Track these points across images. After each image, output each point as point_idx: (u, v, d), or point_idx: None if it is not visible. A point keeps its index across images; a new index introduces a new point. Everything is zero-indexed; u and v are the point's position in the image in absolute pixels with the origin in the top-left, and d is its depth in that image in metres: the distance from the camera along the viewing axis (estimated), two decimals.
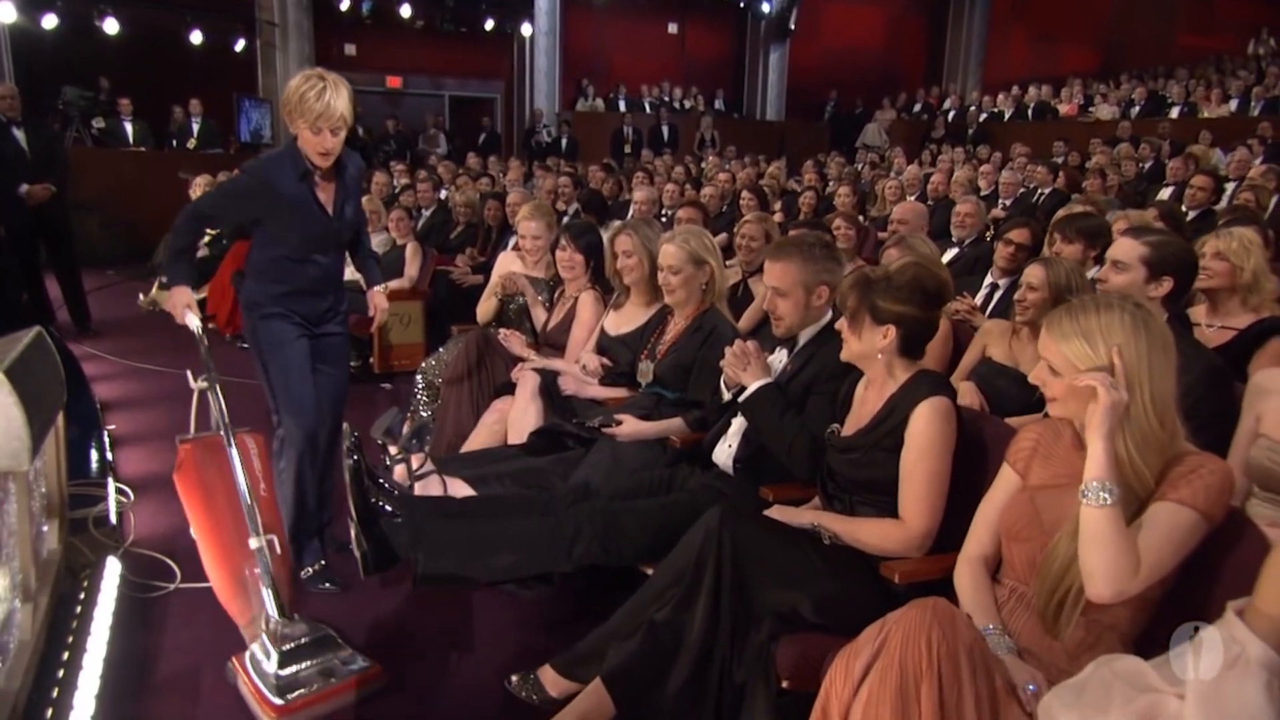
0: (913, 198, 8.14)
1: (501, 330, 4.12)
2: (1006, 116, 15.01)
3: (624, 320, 3.71)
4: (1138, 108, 13.35)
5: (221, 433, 2.75)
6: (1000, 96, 15.50)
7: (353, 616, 3.03)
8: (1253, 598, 1.49)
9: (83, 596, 3.07)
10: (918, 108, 16.78)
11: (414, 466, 3.06)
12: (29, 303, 6.84)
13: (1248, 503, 2.43)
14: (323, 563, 3.36)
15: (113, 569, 3.23)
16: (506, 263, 4.66)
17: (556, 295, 4.25)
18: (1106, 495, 1.73)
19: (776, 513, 2.50)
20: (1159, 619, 1.82)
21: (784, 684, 2.06)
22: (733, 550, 2.21)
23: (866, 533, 2.33)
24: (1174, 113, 12.65)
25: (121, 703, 2.63)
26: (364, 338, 5.89)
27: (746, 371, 2.69)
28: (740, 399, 2.72)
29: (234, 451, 2.70)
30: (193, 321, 3.05)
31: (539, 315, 4.28)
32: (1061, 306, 1.95)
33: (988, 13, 18.06)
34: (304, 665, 2.59)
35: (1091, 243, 3.88)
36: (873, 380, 2.47)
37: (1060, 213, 4.71)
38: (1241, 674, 1.44)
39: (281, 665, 2.55)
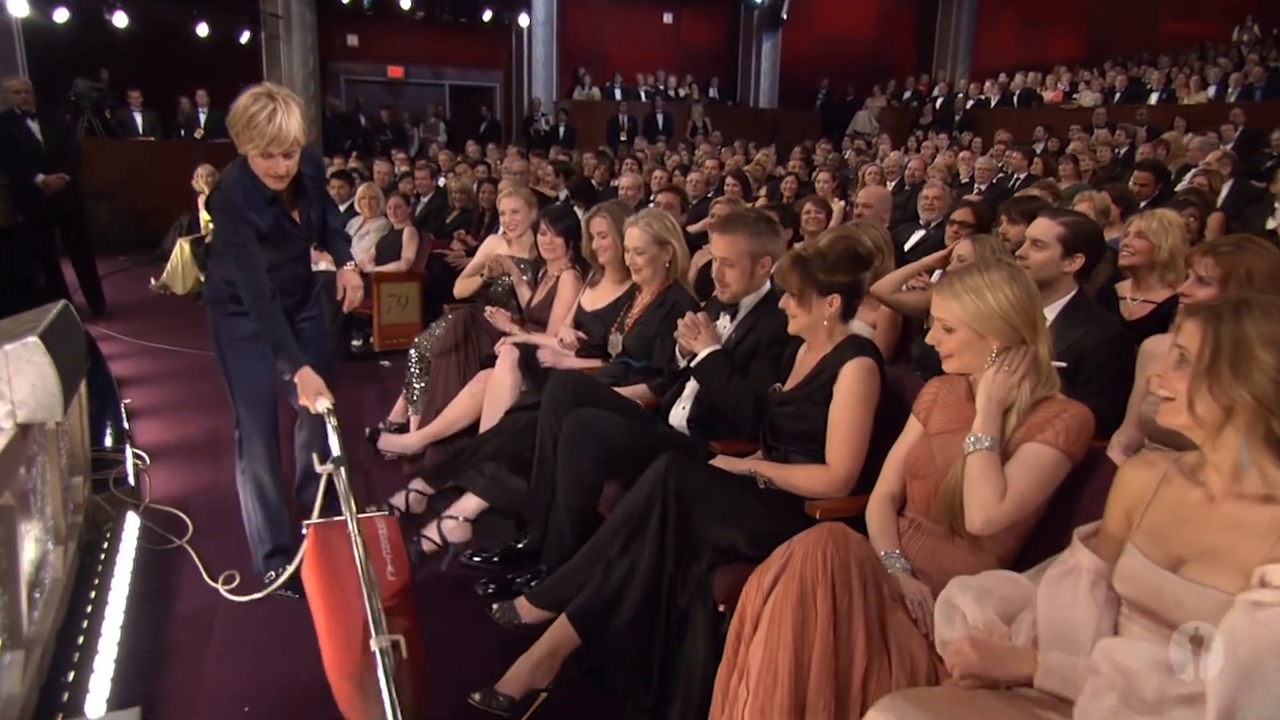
0: (892, 183, 8.46)
1: (488, 307, 4.47)
2: (993, 103, 15.18)
3: (599, 297, 4.02)
4: (1119, 94, 13.53)
5: (347, 520, 2.39)
6: (987, 84, 15.68)
7: None
8: (1101, 522, 1.83)
9: (105, 546, 3.41)
10: (908, 95, 16.97)
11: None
12: (47, 285, 7.18)
13: (1140, 453, 2.76)
14: (287, 569, 3.05)
15: (132, 522, 3.56)
16: (492, 245, 4.99)
17: (540, 274, 4.59)
18: (988, 443, 2.09)
19: (720, 461, 2.83)
20: (1032, 545, 2.15)
21: (720, 607, 2.35)
22: (677, 493, 2.48)
23: (798, 477, 2.64)
24: (1154, 99, 12.85)
25: (142, 636, 2.91)
26: (364, 318, 6.25)
27: (697, 340, 2.99)
28: (692, 364, 3.03)
29: (360, 539, 2.30)
30: (323, 405, 2.80)
31: (524, 294, 4.62)
32: (949, 272, 2.30)
33: (976, 1, 18.20)
34: None
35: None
36: (812, 345, 2.78)
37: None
38: (1074, 578, 1.78)
39: None
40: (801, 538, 2.04)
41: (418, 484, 3.78)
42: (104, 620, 2.91)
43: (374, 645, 2.13)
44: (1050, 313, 3.21)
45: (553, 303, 4.34)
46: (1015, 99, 15.11)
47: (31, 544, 2.71)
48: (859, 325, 3.60)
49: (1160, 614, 1.60)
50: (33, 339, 2.53)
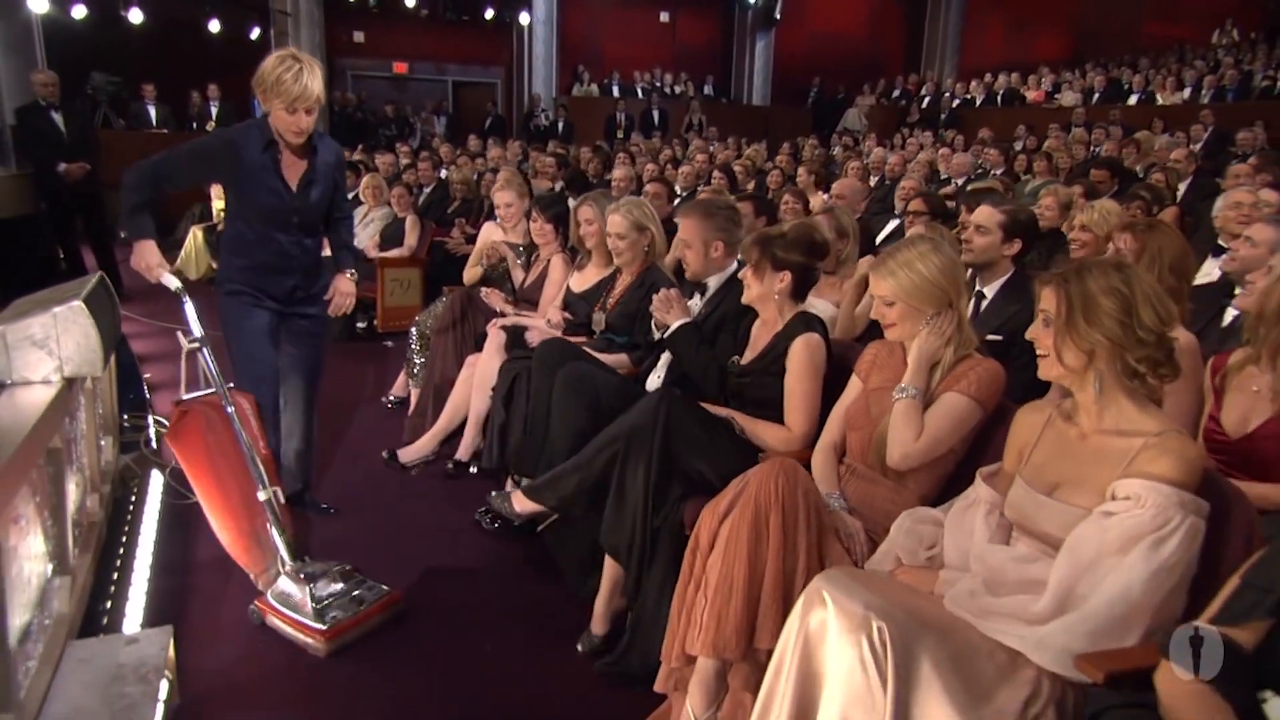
0: (875, 178, 8.81)
1: (483, 288, 4.82)
2: (978, 102, 15.50)
3: (586, 279, 4.32)
4: (1099, 94, 13.85)
5: (218, 391, 2.83)
6: (973, 83, 15.99)
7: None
8: (1002, 463, 2.17)
9: (133, 499, 3.75)
10: (896, 93, 17.29)
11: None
12: (68, 269, 7.53)
13: (1031, 401, 3.09)
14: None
15: (157, 479, 3.91)
16: (489, 231, 5.35)
17: (533, 258, 4.94)
18: (913, 392, 2.44)
19: (706, 405, 3.06)
20: (950, 486, 2.47)
21: (686, 531, 2.60)
22: (665, 420, 2.73)
23: (765, 432, 2.93)
24: (1133, 100, 13.18)
25: (168, 573, 3.25)
26: (369, 300, 6.61)
27: (670, 314, 3.28)
28: (665, 336, 3.35)
29: (232, 409, 2.78)
30: (170, 280, 3.05)
31: (518, 276, 4.97)
32: (881, 253, 2.65)
33: (963, 2, 18.51)
34: (335, 593, 2.82)
35: None
36: (766, 321, 3.08)
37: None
38: (974, 509, 2.13)
39: (315, 594, 2.76)
40: (756, 470, 2.36)
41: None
42: (135, 558, 3.26)
43: (260, 496, 2.72)
44: (990, 290, 3.59)
45: (544, 284, 4.68)
46: (999, 98, 15.44)
47: (72, 487, 3.05)
48: (823, 305, 3.95)
49: (1037, 532, 1.95)
50: (77, 303, 2.87)
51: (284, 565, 2.80)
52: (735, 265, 3.47)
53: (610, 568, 2.85)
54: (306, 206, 3.29)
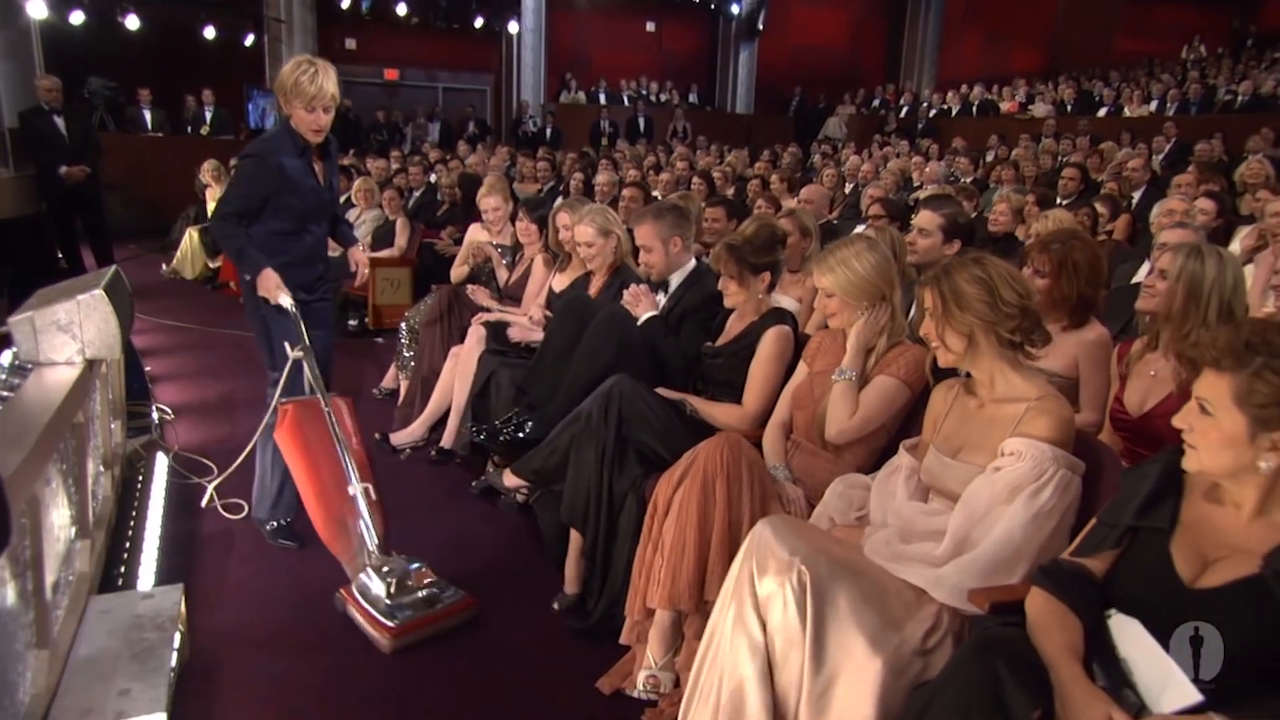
0: (851, 185, 9.13)
1: (469, 285, 5.10)
2: (954, 112, 15.85)
3: (566, 279, 4.59)
4: (1070, 106, 14.22)
5: (318, 395, 3.08)
6: (950, 94, 16.35)
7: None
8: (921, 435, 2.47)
9: (140, 480, 3.99)
10: (876, 103, 17.64)
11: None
12: (68, 268, 7.77)
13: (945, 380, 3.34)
14: (289, 520, 3.62)
15: (162, 462, 4.17)
16: (475, 232, 5.64)
17: (517, 257, 5.22)
18: (849, 375, 2.74)
19: (660, 390, 3.35)
20: (881, 458, 2.74)
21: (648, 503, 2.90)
22: (620, 404, 3.03)
23: (718, 411, 3.23)
24: (1102, 112, 13.55)
25: (177, 542, 3.51)
26: (359, 299, 6.88)
27: (639, 307, 3.58)
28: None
29: (329, 410, 3.02)
30: (286, 300, 3.23)
31: (502, 275, 5.27)
32: (823, 250, 2.94)
33: (942, 14, 18.93)
34: (409, 593, 2.91)
35: None
36: (743, 313, 3.37)
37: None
38: (896, 475, 2.42)
39: (390, 592, 2.87)
40: (705, 444, 2.67)
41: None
42: (145, 530, 3.51)
43: (352, 490, 2.88)
44: None
45: (527, 281, 4.96)
46: (975, 109, 15.80)
47: (91, 461, 3.33)
48: (788, 302, 4.24)
49: (945, 490, 2.25)
50: (98, 291, 3.16)
51: (369, 559, 2.92)
52: (694, 261, 3.76)
53: (576, 534, 3.14)
54: (333, 199, 3.58)
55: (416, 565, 2.97)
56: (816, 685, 1.96)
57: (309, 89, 3.18)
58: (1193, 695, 1.52)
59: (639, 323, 3.58)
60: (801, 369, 3.03)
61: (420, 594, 2.92)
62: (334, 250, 3.81)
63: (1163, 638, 1.59)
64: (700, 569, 2.53)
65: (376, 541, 2.92)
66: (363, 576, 2.90)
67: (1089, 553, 1.79)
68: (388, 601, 2.85)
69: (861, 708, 1.90)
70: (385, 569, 2.88)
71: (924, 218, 3.87)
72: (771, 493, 2.69)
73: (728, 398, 3.29)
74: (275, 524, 3.60)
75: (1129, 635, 1.65)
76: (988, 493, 2.07)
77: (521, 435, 3.54)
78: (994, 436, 2.16)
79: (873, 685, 1.89)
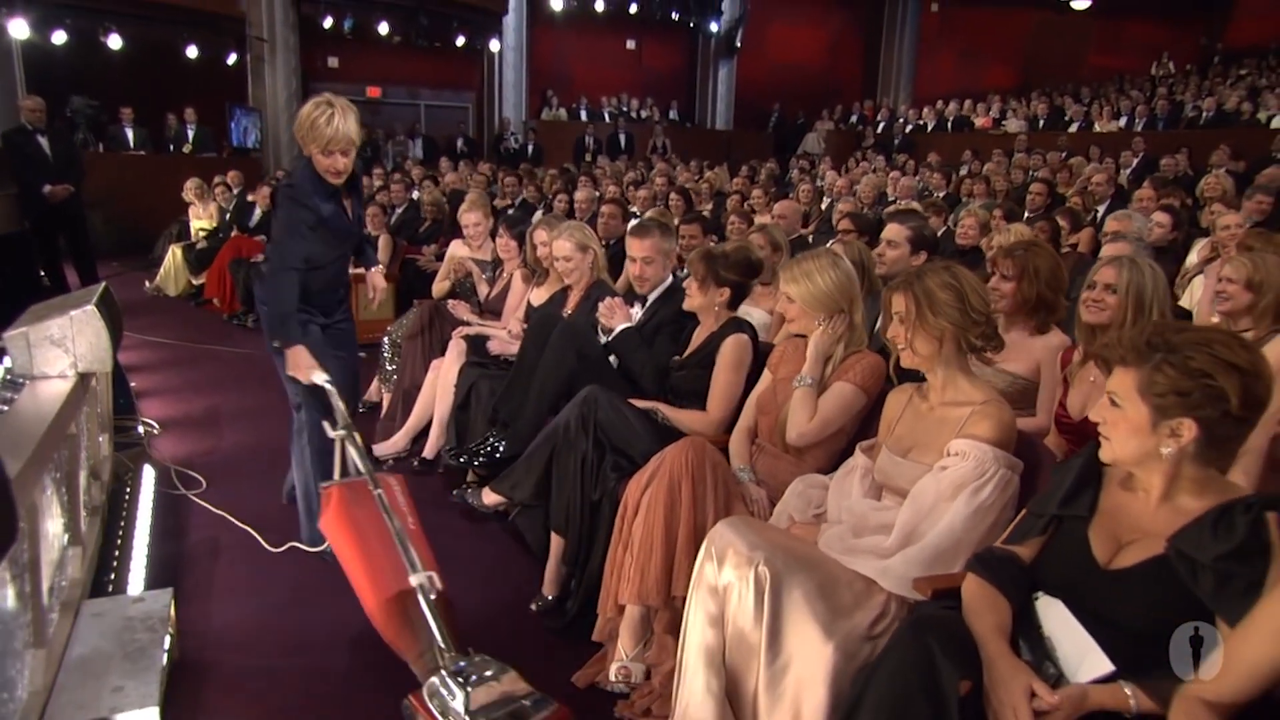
0: (827, 201, 9.32)
1: (450, 300, 5.24)
2: (929, 128, 16.14)
3: (544, 294, 4.71)
4: (1042, 122, 14.52)
5: (365, 476, 2.73)
6: (926, 110, 16.64)
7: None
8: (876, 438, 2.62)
9: (128, 491, 4.07)
10: (854, 119, 17.93)
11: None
12: (52, 286, 7.84)
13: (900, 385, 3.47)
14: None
15: (149, 473, 4.27)
16: (456, 247, 5.79)
17: (498, 272, 5.36)
18: (809, 381, 2.88)
19: (634, 400, 3.50)
20: (840, 460, 2.84)
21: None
22: (595, 413, 3.18)
23: (686, 416, 3.37)
24: (1074, 127, 13.83)
25: (165, 550, 3.62)
26: None
27: (614, 319, 3.73)
28: (610, 339, 3.77)
29: (379, 492, 2.64)
30: (319, 377, 3.10)
31: (482, 290, 5.40)
32: (792, 259, 3.09)
33: (917, 32, 19.27)
34: (493, 704, 2.27)
35: None
36: (705, 325, 3.53)
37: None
38: (852, 474, 2.57)
39: (469, 703, 2.25)
40: (671, 447, 2.82)
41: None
42: (133, 538, 3.61)
43: (414, 581, 2.44)
44: None
45: (507, 296, 5.10)
46: (950, 124, 16.08)
47: (82, 472, 3.44)
48: (759, 314, 4.38)
49: (896, 488, 2.39)
50: (90, 307, 3.28)
51: (442, 657, 2.40)
52: (671, 278, 3.91)
53: (556, 540, 3.26)
54: (359, 225, 3.58)
55: (501, 670, 2.35)
56: (773, 669, 2.11)
57: (325, 131, 3.09)
58: (1106, 665, 1.67)
59: (613, 335, 3.73)
60: (766, 376, 3.17)
61: (505, 704, 2.28)
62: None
63: (1081, 615, 1.74)
64: (668, 566, 2.66)
65: (446, 638, 2.41)
66: (435, 681, 2.33)
67: (1018, 540, 1.94)
68: (466, 714, 2.28)
69: (814, 689, 2.04)
70: (462, 675, 2.31)
71: (892, 230, 4.05)
72: (735, 493, 2.83)
73: (695, 407, 3.41)
74: (327, 544, 3.39)
75: (1053, 615, 1.79)
76: (934, 489, 2.22)
77: (497, 456, 3.68)
78: (942, 437, 2.31)
79: (825, 669, 2.04)
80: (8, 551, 1.76)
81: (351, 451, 2.87)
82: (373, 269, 3.77)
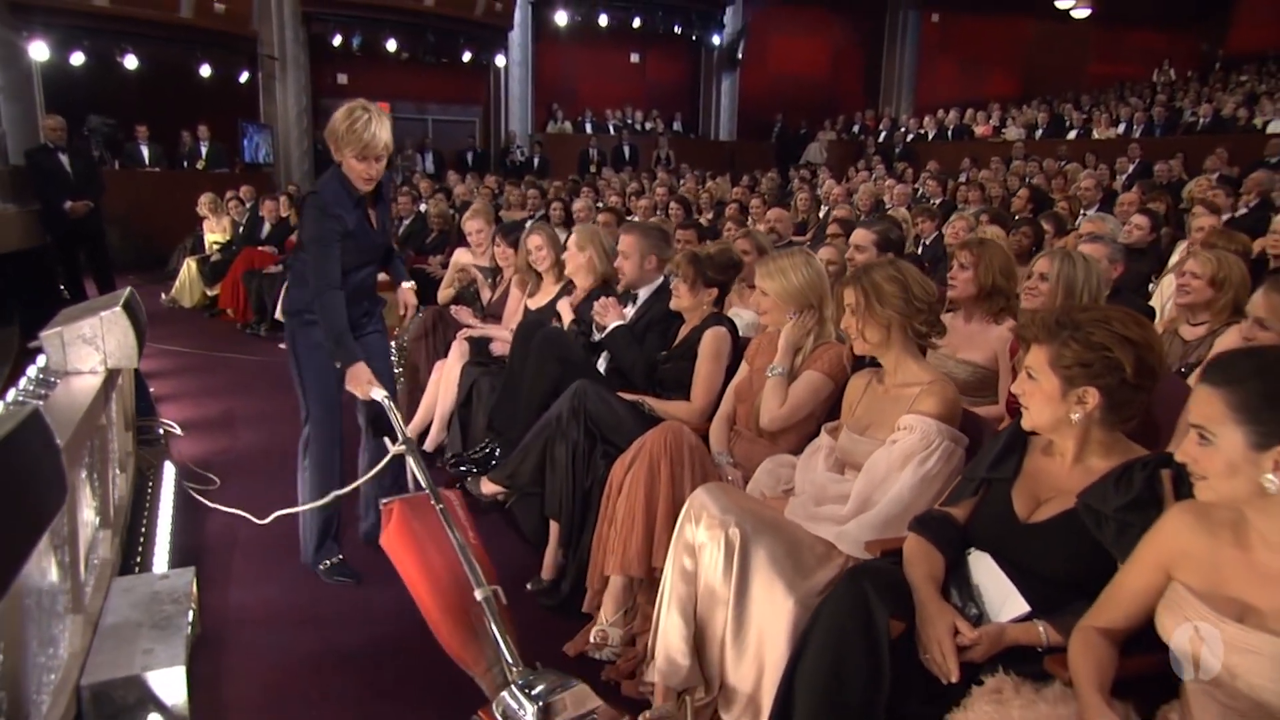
0: (826, 209, 9.54)
1: (453, 305, 5.48)
2: (930, 137, 16.32)
3: (541, 298, 4.93)
4: (1041, 130, 14.72)
5: (426, 491, 2.69)
6: (926, 119, 16.81)
7: None
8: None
9: (150, 484, 4.32)
10: (856, 128, 18.14)
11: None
12: (72, 299, 8.10)
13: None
14: (339, 557, 3.59)
15: (170, 470, 4.51)
16: (460, 255, 6.04)
17: (498, 278, 5.60)
18: (780, 371, 3.10)
19: (622, 393, 3.73)
20: (809, 442, 3.06)
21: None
22: (585, 406, 3.39)
23: (671, 406, 3.58)
24: (1073, 135, 14.02)
25: (187, 539, 3.86)
26: None
27: (608, 317, 3.94)
28: (604, 336, 4.00)
29: (441, 507, 2.62)
30: (378, 394, 3.08)
31: (485, 295, 5.64)
32: (767, 256, 3.32)
33: (918, 42, 19.48)
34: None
35: None
36: (690, 321, 3.75)
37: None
38: (817, 453, 2.78)
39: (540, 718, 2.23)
40: (651, 432, 3.06)
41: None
42: (157, 523, 3.86)
43: (479, 595, 2.44)
44: None
45: (507, 300, 5.32)
46: (950, 133, 16.28)
47: (110, 460, 3.68)
48: (748, 315, 4.59)
49: (855, 463, 2.61)
50: (118, 308, 3.51)
51: (510, 672, 2.36)
52: (662, 279, 4.14)
53: (555, 528, 3.48)
54: (385, 235, 3.56)
55: (572, 685, 2.29)
56: (740, 621, 2.35)
57: (364, 136, 3.09)
58: (1023, 607, 1.89)
59: (606, 332, 3.94)
60: (744, 368, 3.40)
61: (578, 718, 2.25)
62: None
63: (1005, 565, 1.96)
64: (648, 538, 2.87)
65: (513, 652, 2.38)
66: (505, 696, 2.30)
67: (953, 502, 2.17)
68: None
69: (777, 641, 2.28)
70: (533, 689, 2.27)
71: (859, 236, 4.31)
72: (712, 473, 3.04)
73: (680, 398, 3.62)
74: (327, 563, 3.58)
75: (982, 566, 2.02)
76: (885, 461, 2.45)
77: (493, 462, 3.89)
78: (894, 415, 2.53)
79: (787, 622, 2.26)
80: (58, 511, 2.01)
81: (413, 466, 2.83)
82: (403, 285, 3.77)
